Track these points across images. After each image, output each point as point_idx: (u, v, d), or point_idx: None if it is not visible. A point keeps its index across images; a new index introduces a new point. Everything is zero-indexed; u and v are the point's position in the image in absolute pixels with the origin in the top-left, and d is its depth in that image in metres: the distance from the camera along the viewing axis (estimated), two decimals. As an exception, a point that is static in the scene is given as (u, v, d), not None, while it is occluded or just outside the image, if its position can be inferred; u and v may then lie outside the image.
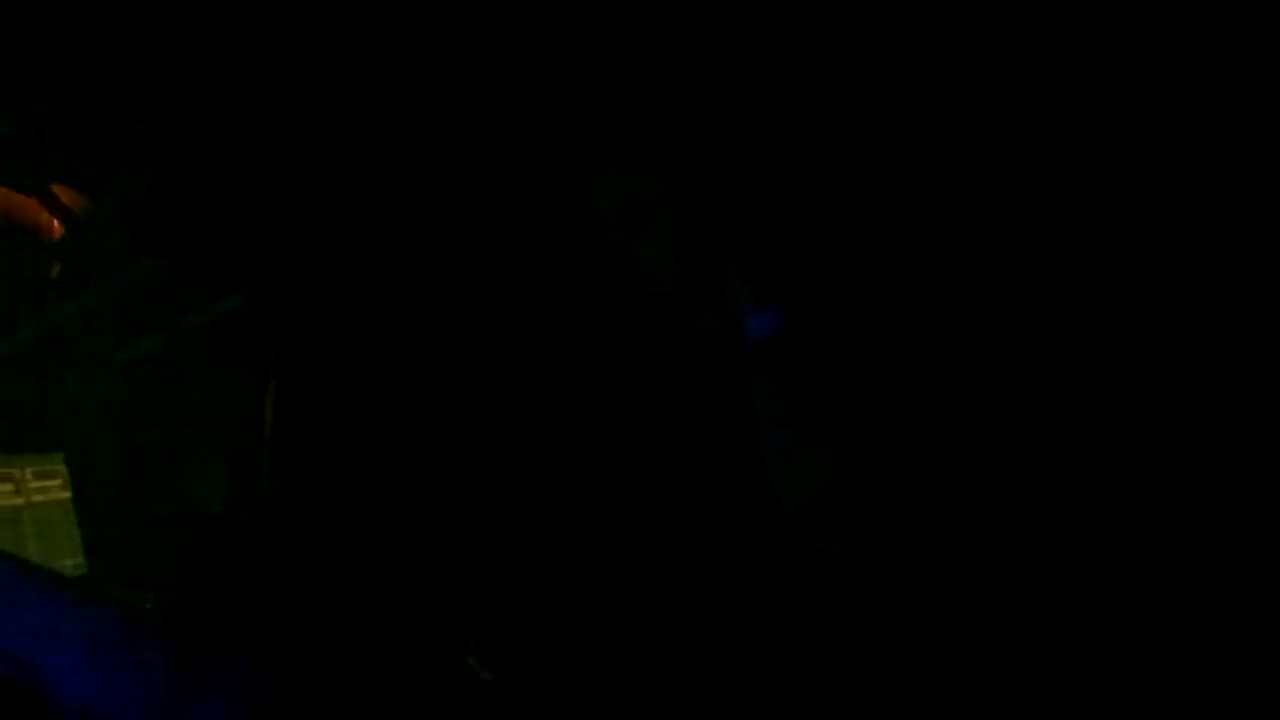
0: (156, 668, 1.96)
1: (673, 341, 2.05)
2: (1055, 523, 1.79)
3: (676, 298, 1.96)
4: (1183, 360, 1.76)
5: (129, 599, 2.35)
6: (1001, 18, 1.93)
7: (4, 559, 1.70)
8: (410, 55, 2.49)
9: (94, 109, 2.59)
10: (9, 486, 2.51)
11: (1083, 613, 1.75)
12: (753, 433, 1.94)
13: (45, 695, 1.85)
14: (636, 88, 2.06)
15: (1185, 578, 1.72)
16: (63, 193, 2.46)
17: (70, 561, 2.54)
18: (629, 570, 2.09)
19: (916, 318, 1.91)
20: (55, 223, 2.48)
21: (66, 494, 2.57)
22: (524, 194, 2.41)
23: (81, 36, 2.56)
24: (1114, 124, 1.86)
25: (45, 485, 2.56)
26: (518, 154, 2.41)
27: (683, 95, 2.00)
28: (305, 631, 2.35)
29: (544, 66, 2.33)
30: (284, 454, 2.57)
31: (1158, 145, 1.82)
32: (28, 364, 2.60)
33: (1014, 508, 1.80)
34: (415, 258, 2.54)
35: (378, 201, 2.56)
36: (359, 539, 2.47)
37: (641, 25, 2.18)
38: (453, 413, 2.46)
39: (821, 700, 1.85)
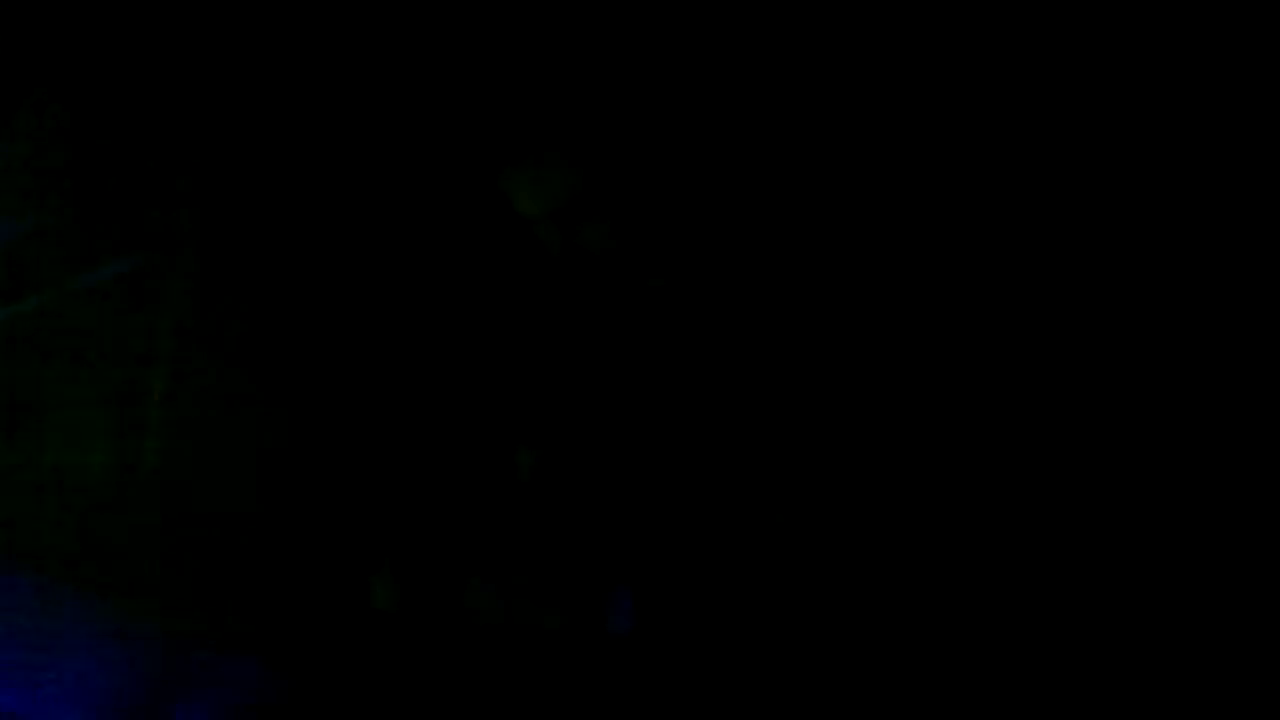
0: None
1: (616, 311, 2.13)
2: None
3: (620, 270, 2.08)
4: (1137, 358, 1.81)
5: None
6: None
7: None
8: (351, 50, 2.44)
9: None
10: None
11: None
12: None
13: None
14: (556, 90, 2.13)
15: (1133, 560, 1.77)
16: None
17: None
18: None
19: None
20: None
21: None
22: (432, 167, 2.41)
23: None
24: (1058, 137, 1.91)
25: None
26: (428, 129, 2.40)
27: (601, 91, 2.09)
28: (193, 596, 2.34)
29: (458, 65, 2.34)
30: (176, 422, 2.45)
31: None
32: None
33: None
34: (321, 216, 2.47)
35: (285, 161, 2.46)
36: (254, 507, 2.43)
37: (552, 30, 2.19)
38: (352, 377, 2.44)
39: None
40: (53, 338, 2.47)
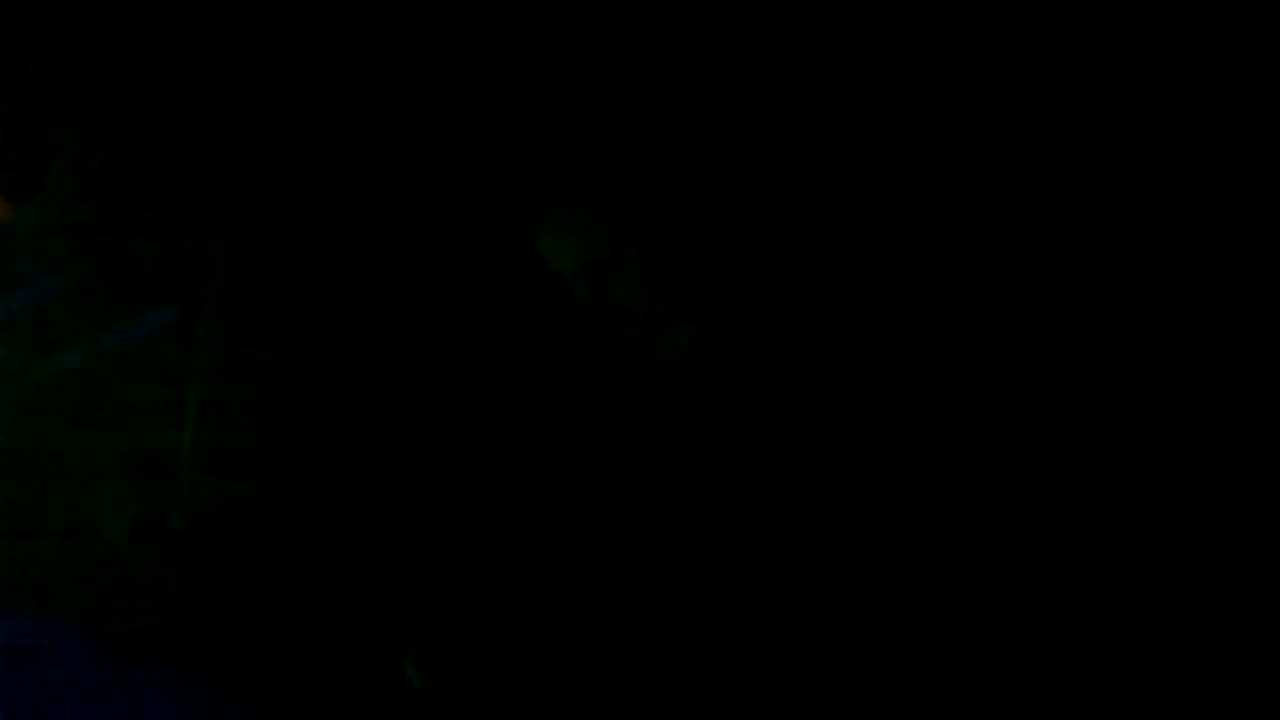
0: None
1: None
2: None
3: (647, 329, 2.06)
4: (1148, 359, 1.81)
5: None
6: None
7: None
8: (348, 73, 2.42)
9: (19, 110, 2.46)
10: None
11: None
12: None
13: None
14: (587, 141, 2.10)
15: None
16: None
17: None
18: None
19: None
20: None
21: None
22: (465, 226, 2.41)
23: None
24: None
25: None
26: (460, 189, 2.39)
27: (631, 144, 2.08)
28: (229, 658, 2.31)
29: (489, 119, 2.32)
30: (203, 481, 2.42)
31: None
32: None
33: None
34: (350, 274, 2.43)
35: (312, 219, 2.44)
36: (284, 567, 2.40)
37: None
38: (387, 436, 2.40)
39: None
40: (83, 396, 2.46)
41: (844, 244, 2.04)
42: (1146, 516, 1.77)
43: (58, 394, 2.47)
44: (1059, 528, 1.81)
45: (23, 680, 2.18)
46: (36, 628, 2.31)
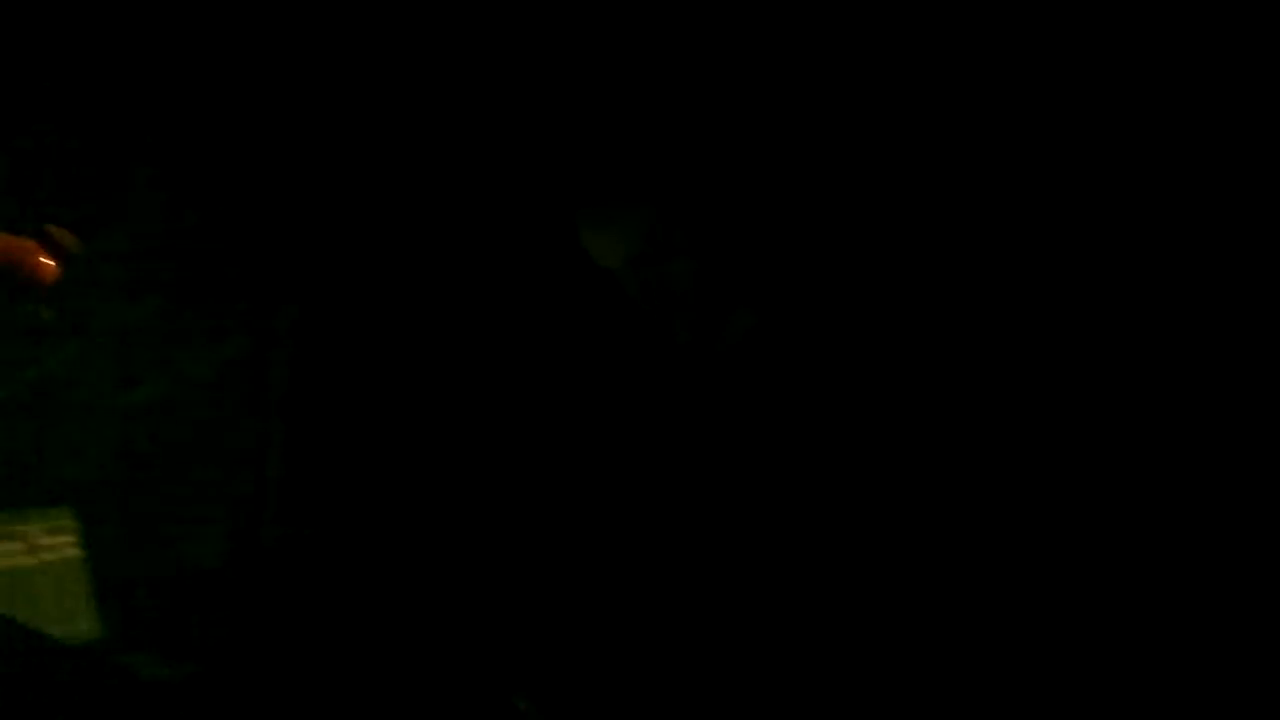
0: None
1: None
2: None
3: (706, 316, 2.01)
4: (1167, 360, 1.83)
5: (144, 666, 2.37)
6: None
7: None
8: (412, 98, 2.57)
9: (90, 146, 2.46)
10: (19, 545, 2.39)
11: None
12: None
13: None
14: (629, 131, 2.09)
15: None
16: (58, 234, 2.39)
17: (86, 625, 2.45)
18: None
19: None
20: (50, 266, 2.40)
21: (80, 551, 2.46)
22: (522, 233, 2.49)
23: (77, 71, 2.43)
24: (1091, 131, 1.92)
25: (57, 542, 2.44)
26: (514, 196, 2.49)
27: (682, 130, 2.04)
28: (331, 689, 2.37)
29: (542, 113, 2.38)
30: (290, 501, 2.60)
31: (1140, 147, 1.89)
32: (25, 413, 2.44)
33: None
34: (420, 298, 2.62)
35: (380, 242, 2.64)
36: (377, 587, 2.53)
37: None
38: (464, 451, 2.54)
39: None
40: (167, 424, 2.55)
41: (894, 225, 2.01)
42: (1146, 516, 1.80)
43: (142, 423, 2.54)
44: (1066, 528, 1.84)
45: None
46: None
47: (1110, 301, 1.90)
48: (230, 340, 2.57)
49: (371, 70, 2.56)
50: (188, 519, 2.55)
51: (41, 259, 2.34)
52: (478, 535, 2.48)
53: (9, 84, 2.35)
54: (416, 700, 2.30)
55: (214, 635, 2.51)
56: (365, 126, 2.60)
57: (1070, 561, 1.83)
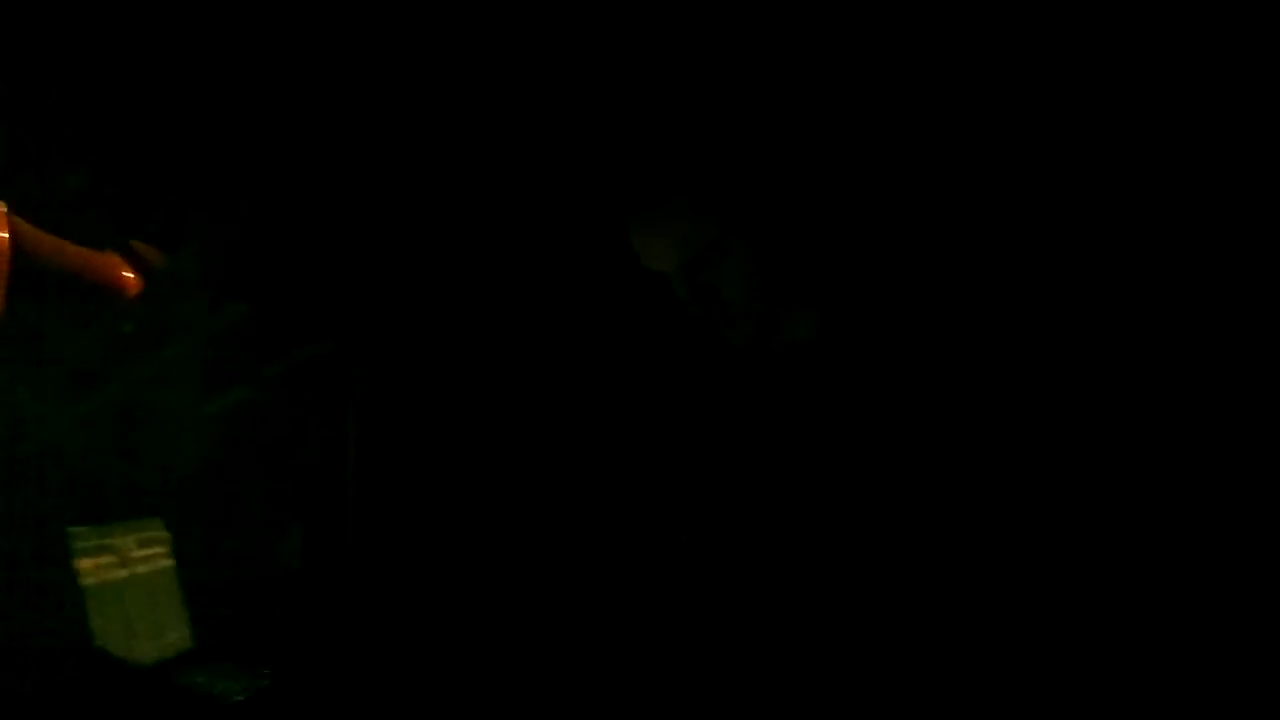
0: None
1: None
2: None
3: (764, 320, 1.99)
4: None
5: (233, 675, 2.38)
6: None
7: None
8: (476, 112, 2.59)
9: (170, 158, 2.46)
10: (111, 558, 2.39)
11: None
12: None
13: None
14: (680, 133, 2.06)
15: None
16: (140, 248, 2.40)
17: (176, 635, 2.46)
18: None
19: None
20: (133, 279, 2.41)
21: (171, 561, 2.48)
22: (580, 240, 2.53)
23: (159, 87, 2.43)
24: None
25: (149, 554, 2.45)
26: (571, 202, 2.53)
27: (732, 138, 2.02)
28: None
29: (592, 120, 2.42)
30: (369, 504, 2.61)
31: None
32: (111, 426, 2.45)
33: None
34: (490, 301, 2.64)
35: (452, 247, 2.65)
36: (454, 589, 2.56)
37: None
38: (538, 454, 2.56)
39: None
40: (251, 428, 2.56)
41: (951, 228, 2.01)
42: (1146, 516, 1.79)
43: (226, 430, 2.55)
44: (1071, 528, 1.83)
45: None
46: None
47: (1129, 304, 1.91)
48: (310, 344, 2.57)
49: (428, 79, 2.57)
50: (271, 524, 2.54)
51: (124, 272, 2.35)
52: (544, 540, 2.51)
53: (92, 96, 2.34)
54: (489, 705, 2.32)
55: (297, 641, 2.53)
56: (427, 136, 2.59)
57: (1074, 562, 1.83)
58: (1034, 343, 1.93)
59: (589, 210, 2.42)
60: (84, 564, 2.29)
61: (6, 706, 2.13)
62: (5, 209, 1.88)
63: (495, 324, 2.63)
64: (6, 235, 1.88)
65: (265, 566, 2.58)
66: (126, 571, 2.40)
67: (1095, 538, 1.82)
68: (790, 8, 2.16)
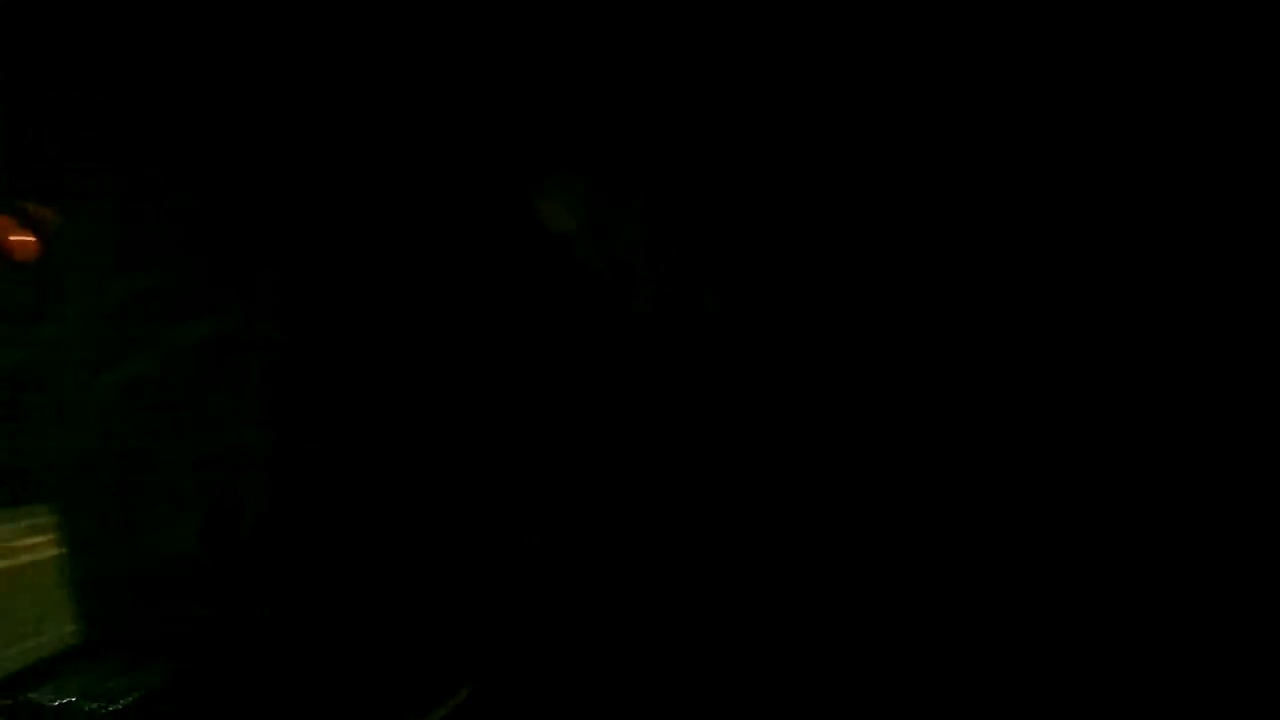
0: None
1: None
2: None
3: (663, 289, 2.00)
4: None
5: (124, 672, 2.23)
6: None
7: None
8: (390, 79, 2.38)
9: (70, 115, 2.21)
10: (-9, 549, 2.20)
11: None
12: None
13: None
14: (586, 98, 2.04)
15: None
16: (35, 210, 2.19)
17: (70, 628, 2.29)
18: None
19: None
20: (26, 242, 2.20)
21: (58, 550, 2.28)
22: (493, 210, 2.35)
23: (55, 48, 2.18)
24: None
25: (35, 543, 2.26)
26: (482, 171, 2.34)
27: (633, 94, 2.00)
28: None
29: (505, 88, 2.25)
30: (274, 487, 2.44)
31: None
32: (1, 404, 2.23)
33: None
34: (401, 275, 2.45)
35: (365, 217, 2.44)
36: (360, 577, 2.42)
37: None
38: (451, 434, 2.43)
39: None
40: (153, 400, 2.36)
41: (863, 208, 1.96)
42: (1146, 516, 1.79)
43: (129, 398, 2.34)
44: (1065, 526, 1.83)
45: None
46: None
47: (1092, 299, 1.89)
48: (217, 314, 2.35)
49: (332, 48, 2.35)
50: (167, 509, 2.35)
51: (17, 236, 2.16)
52: (454, 515, 2.40)
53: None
54: (393, 694, 2.24)
55: (191, 633, 2.35)
56: (326, 101, 2.37)
57: (1068, 560, 1.83)
58: (958, 320, 1.90)
59: (493, 171, 2.27)
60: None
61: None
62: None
63: (401, 292, 2.43)
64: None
65: (162, 555, 2.36)
66: (8, 561, 2.21)
67: (1020, 510, 1.83)
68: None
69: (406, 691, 2.22)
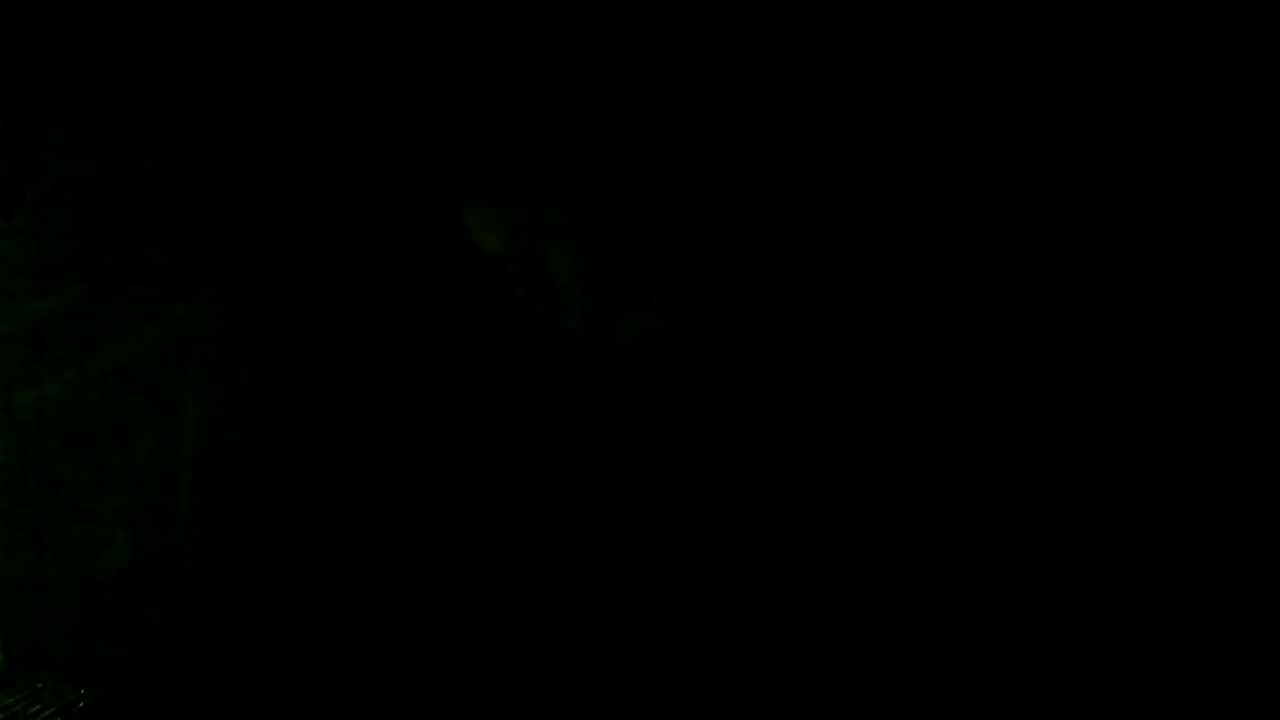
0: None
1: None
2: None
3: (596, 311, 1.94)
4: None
5: (57, 691, 2.17)
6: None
7: None
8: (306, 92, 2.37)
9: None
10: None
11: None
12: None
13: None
14: (515, 116, 2.01)
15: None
16: None
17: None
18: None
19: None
20: None
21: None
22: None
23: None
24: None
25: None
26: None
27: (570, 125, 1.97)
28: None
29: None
30: (204, 506, 2.39)
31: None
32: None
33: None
34: (325, 286, 2.42)
35: (295, 229, 2.42)
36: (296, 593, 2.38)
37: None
38: (374, 446, 2.39)
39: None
40: (77, 418, 2.32)
41: (808, 220, 1.96)
42: (1145, 517, 1.79)
43: (51, 416, 2.30)
44: (1057, 527, 1.82)
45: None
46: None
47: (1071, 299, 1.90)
48: (144, 331, 2.32)
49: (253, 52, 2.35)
50: (92, 529, 2.31)
51: None
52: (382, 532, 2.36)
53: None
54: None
55: (119, 654, 2.32)
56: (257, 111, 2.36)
57: (1065, 561, 1.83)
58: (915, 337, 1.90)
59: (419, 189, 2.26)
60: None
61: None
62: None
63: (331, 310, 2.40)
64: None
65: (88, 576, 2.34)
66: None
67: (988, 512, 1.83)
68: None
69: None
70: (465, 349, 2.28)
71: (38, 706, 2.11)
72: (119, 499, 2.35)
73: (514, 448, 2.18)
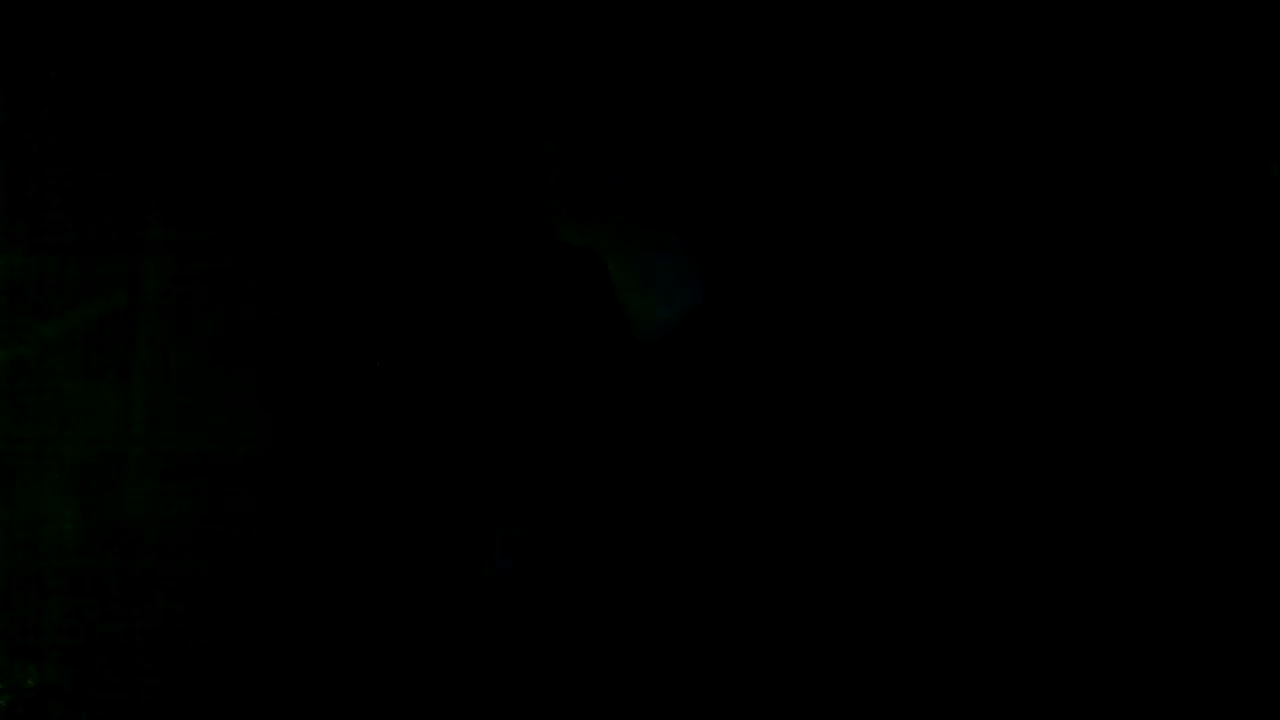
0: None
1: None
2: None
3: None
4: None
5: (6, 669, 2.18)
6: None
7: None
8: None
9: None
10: None
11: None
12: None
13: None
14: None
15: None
16: None
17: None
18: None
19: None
20: None
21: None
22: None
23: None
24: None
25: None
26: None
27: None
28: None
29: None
30: (153, 479, 2.32)
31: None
32: None
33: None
34: (290, 260, 2.36)
35: (262, 200, 2.35)
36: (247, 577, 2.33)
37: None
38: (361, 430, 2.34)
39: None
40: (20, 392, 2.25)
41: (849, 212, 1.93)
42: (1145, 516, 1.78)
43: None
44: (1057, 527, 1.81)
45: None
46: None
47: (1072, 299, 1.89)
48: (92, 302, 2.25)
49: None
50: (43, 505, 2.25)
51: None
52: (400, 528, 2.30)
53: None
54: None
55: (71, 633, 2.27)
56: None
57: (1065, 561, 1.83)
58: (939, 325, 1.90)
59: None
60: None
61: None
62: None
63: (282, 279, 2.34)
64: None
65: (39, 553, 2.27)
66: None
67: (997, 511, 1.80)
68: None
69: None
70: (419, 324, 2.27)
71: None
72: (68, 469, 2.28)
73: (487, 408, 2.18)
